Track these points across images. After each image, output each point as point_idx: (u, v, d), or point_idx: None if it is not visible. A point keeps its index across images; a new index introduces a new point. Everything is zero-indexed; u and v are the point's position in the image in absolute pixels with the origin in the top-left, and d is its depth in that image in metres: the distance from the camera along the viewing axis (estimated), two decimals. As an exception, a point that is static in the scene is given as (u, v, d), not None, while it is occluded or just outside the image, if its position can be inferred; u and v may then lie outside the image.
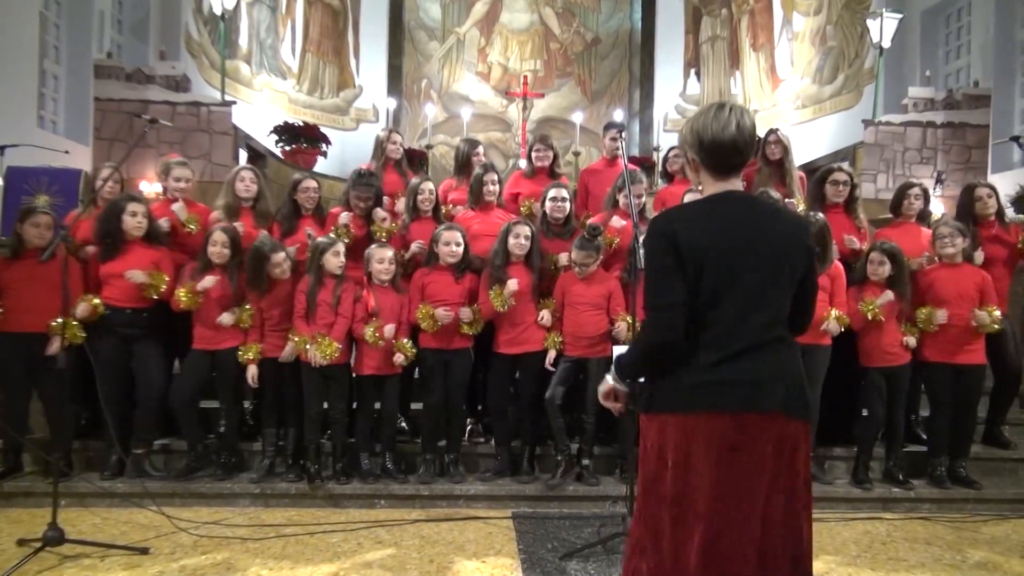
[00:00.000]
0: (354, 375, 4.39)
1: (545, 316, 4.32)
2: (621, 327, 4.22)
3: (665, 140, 11.69)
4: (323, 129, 10.67)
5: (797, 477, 1.90)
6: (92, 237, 4.33)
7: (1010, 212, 5.74)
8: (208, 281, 4.18)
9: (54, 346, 4.02)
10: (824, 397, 4.29)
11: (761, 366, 1.86)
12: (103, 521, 3.93)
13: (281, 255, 4.26)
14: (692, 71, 13.15)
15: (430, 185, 4.79)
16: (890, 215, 5.04)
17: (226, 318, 4.21)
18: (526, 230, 4.35)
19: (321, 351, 4.09)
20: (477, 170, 4.86)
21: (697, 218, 1.92)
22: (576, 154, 10.89)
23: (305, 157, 10.15)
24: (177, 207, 4.52)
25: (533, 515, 4.15)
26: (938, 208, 7.04)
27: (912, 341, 4.38)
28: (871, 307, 4.27)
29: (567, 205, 4.67)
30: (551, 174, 5.21)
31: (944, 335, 4.36)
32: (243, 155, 8.69)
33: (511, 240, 4.32)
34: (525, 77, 12.06)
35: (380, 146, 5.25)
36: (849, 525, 4.11)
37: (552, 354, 4.35)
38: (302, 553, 3.56)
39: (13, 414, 4.21)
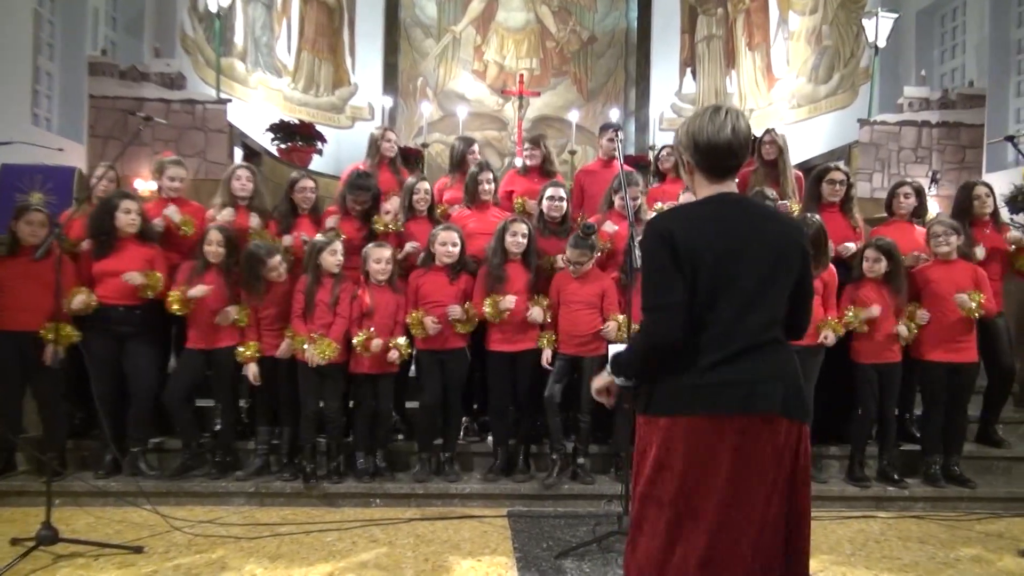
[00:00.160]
0: (351, 373, 4.37)
1: (535, 312, 4.31)
2: (611, 326, 4.23)
3: (661, 139, 11.67)
4: (319, 127, 10.63)
5: (796, 479, 1.90)
6: (85, 234, 4.31)
7: (1004, 212, 5.75)
8: (199, 290, 4.16)
9: (48, 354, 4.01)
10: (817, 396, 4.30)
11: (759, 367, 1.86)
12: (97, 520, 3.92)
13: (277, 258, 4.25)
14: (688, 70, 13.15)
15: (426, 184, 4.78)
16: (885, 214, 5.05)
17: (224, 316, 4.19)
18: (523, 228, 4.35)
19: (320, 351, 4.08)
20: (472, 169, 4.85)
21: (694, 219, 1.92)
22: (572, 153, 10.89)
23: (301, 155, 10.12)
24: (170, 211, 4.50)
25: (528, 514, 4.15)
26: (933, 207, 7.05)
27: (904, 330, 4.37)
28: (855, 319, 4.30)
29: (564, 204, 4.67)
30: (543, 172, 5.20)
31: (938, 332, 4.38)
32: (238, 153, 8.66)
33: (508, 238, 4.32)
34: (521, 76, 12.05)
35: (374, 144, 5.24)
36: (843, 523, 4.12)
37: (548, 353, 4.34)
38: (297, 552, 3.56)
39: (6, 413, 4.19)
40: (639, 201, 4.56)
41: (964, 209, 4.74)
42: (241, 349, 4.24)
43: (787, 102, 11.65)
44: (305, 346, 4.12)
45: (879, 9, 9.03)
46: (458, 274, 4.38)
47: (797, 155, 5.58)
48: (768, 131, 5.15)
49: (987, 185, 4.80)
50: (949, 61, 9.74)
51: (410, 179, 4.85)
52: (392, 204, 4.82)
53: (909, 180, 5.02)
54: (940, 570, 3.50)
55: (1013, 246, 4.67)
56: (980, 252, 4.59)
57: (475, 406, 4.88)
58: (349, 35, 12.68)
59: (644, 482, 1.92)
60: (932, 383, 4.47)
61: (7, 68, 6.83)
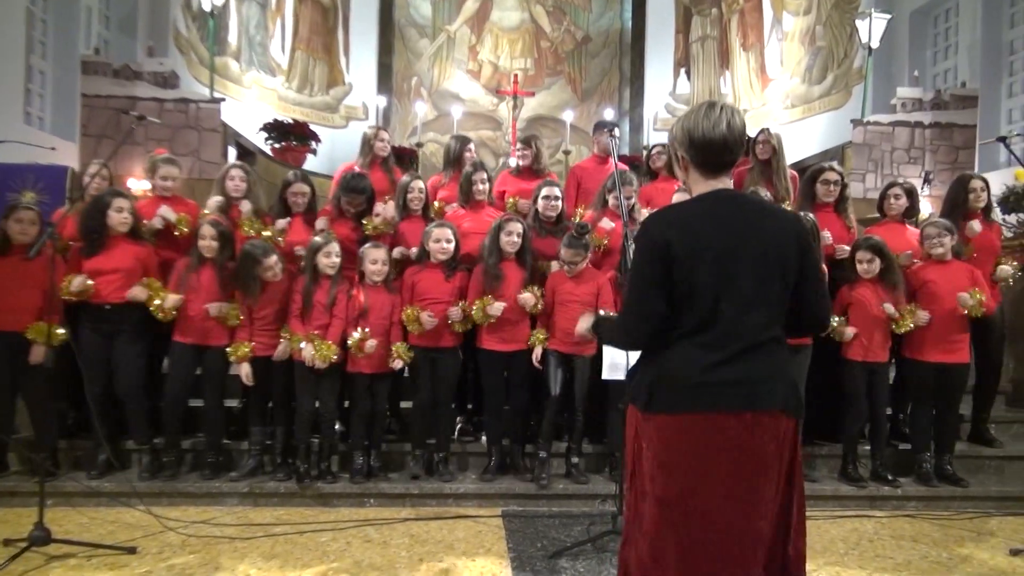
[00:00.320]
0: (347, 373, 4.36)
1: (526, 296, 4.28)
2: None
3: (655, 139, 11.70)
4: (313, 127, 10.64)
5: (795, 474, 1.94)
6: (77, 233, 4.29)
7: (996, 212, 5.78)
8: (171, 301, 4.14)
9: (37, 354, 3.99)
10: (809, 395, 4.31)
11: (762, 366, 1.87)
12: (90, 521, 3.90)
13: (273, 258, 4.23)
14: (682, 70, 13.18)
15: (420, 184, 4.77)
16: (877, 215, 5.07)
17: (216, 309, 4.18)
18: (518, 227, 4.34)
19: (320, 354, 4.07)
20: (467, 168, 4.85)
21: (691, 220, 1.92)
22: (567, 153, 10.91)
23: (295, 155, 10.12)
24: (164, 210, 4.48)
25: (523, 513, 4.15)
26: (926, 208, 7.08)
27: (890, 308, 4.35)
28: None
29: (559, 203, 4.67)
30: (534, 172, 5.21)
31: (933, 333, 4.39)
32: (232, 152, 8.65)
33: (503, 238, 4.32)
34: (515, 75, 12.06)
35: (367, 144, 5.22)
36: (837, 523, 4.13)
37: (539, 351, 4.34)
38: (291, 552, 3.55)
39: (-2, 413, 4.17)
40: (633, 200, 4.57)
41: (958, 202, 4.75)
42: (232, 348, 4.22)
43: (781, 102, 11.69)
44: (302, 345, 4.12)
45: (872, 10, 9.07)
46: (454, 271, 4.37)
47: (790, 156, 5.59)
48: (763, 130, 5.17)
49: (982, 179, 4.80)
50: (942, 62, 9.79)
51: (404, 178, 4.84)
52: (381, 208, 4.81)
53: (900, 181, 5.03)
54: (933, 569, 3.51)
55: (1001, 280, 4.71)
56: (977, 226, 4.62)
57: (469, 406, 4.88)
58: (344, 34, 12.67)
59: (644, 480, 1.91)
60: (922, 382, 4.48)
61: (-1, 67, 6.81)
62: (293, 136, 10.11)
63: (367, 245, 4.36)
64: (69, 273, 4.15)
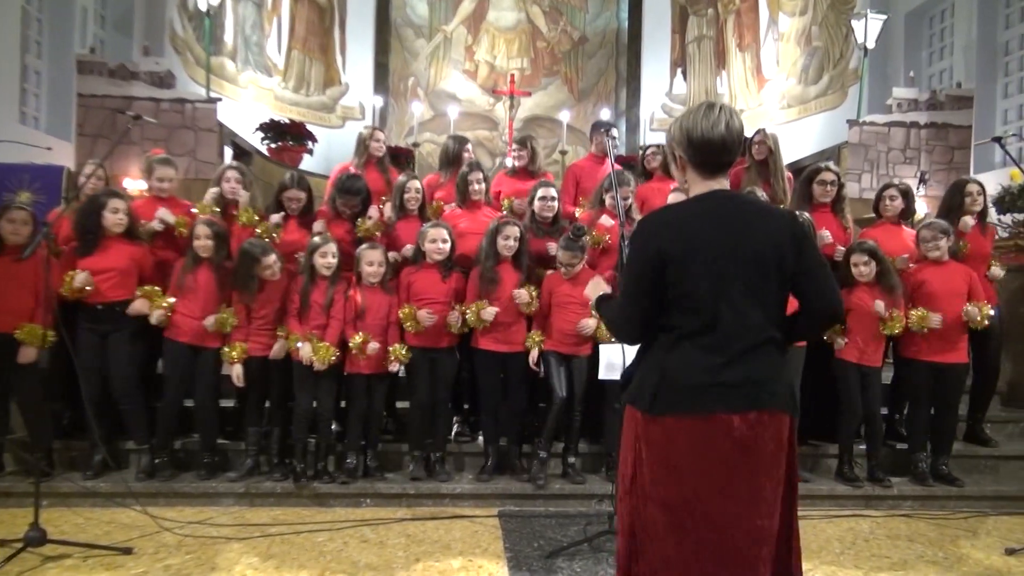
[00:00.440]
0: (345, 373, 4.36)
1: (521, 294, 4.28)
2: (590, 323, 4.24)
3: (651, 139, 11.71)
4: (309, 127, 10.62)
5: (793, 474, 1.96)
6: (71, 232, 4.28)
7: (992, 212, 5.80)
8: (156, 318, 4.14)
9: (26, 355, 3.97)
10: (805, 396, 4.32)
11: (762, 366, 1.88)
12: (86, 521, 3.90)
13: (271, 257, 4.22)
14: (678, 70, 13.19)
15: (417, 184, 4.77)
16: (873, 215, 5.08)
17: (211, 323, 4.17)
18: (515, 231, 4.34)
19: (319, 356, 4.07)
20: (463, 168, 4.85)
21: (687, 220, 1.92)
22: (563, 153, 10.91)
23: (291, 155, 10.10)
24: (163, 213, 4.47)
25: (519, 513, 4.15)
26: (922, 208, 7.10)
27: (880, 305, 4.31)
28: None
29: (555, 204, 4.68)
30: (529, 173, 5.21)
31: (931, 333, 4.38)
32: (228, 152, 8.63)
33: (500, 241, 4.31)
34: (512, 75, 12.05)
35: (362, 144, 5.22)
36: (833, 522, 4.14)
37: (535, 354, 4.35)
38: (287, 552, 3.55)
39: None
40: (630, 201, 4.58)
41: (954, 206, 4.77)
42: (227, 350, 4.21)
43: (777, 103, 11.71)
44: (299, 344, 4.11)
45: (868, 10, 9.08)
46: (450, 272, 4.37)
47: (787, 156, 5.61)
48: (759, 131, 5.18)
49: (979, 183, 4.81)
50: (937, 63, 9.82)
51: (401, 178, 4.84)
52: (375, 211, 4.81)
53: (896, 182, 5.04)
54: (928, 568, 3.52)
55: (993, 280, 4.74)
56: (970, 221, 4.64)
57: (465, 406, 4.88)
58: (340, 34, 12.66)
59: (643, 481, 1.90)
60: (919, 383, 4.49)
61: (-6, 66, 6.79)
62: (289, 136, 10.10)
63: (364, 246, 4.35)
64: (62, 272, 4.12)
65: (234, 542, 3.65)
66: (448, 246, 4.32)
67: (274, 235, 4.48)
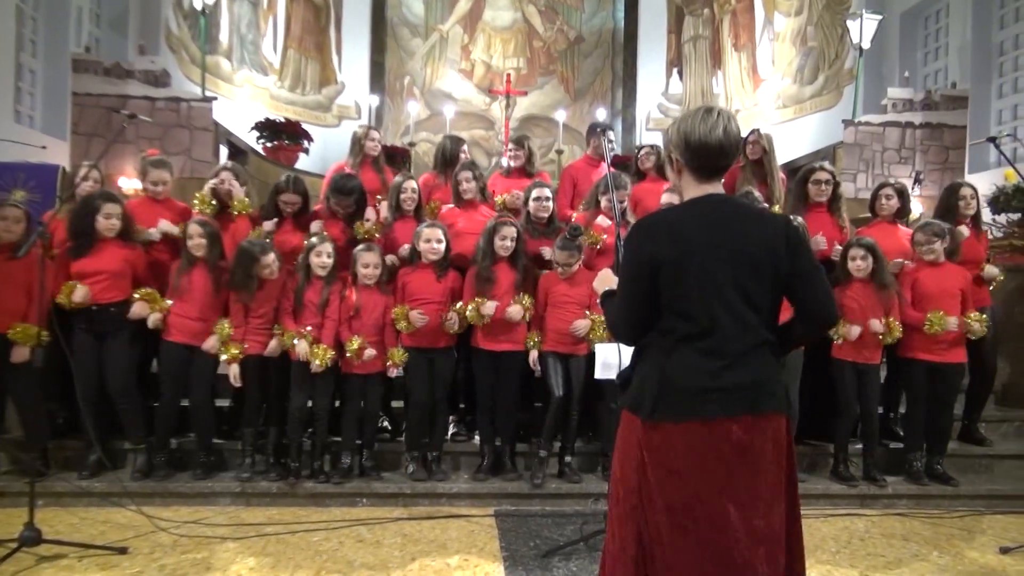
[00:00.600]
0: (342, 372, 4.35)
1: (513, 310, 4.27)
2: (583, 324, 4.25)
3: (647, 139, 11.73)
4: (305, 126, 10.61)
5: (793, 473, 1.97)
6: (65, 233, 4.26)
7: (986, 212, 5.82)
8: (153, 321, 4.14)
9: (19, 354, 3.95)
10: (800, 395, 4.34)
11: (759, 369, 1.89)
12: (81, 521, 3.89)
13: (270, 256, 4.22)
14: (674, 70, 13.22)
15: (413, 184, 4.76)
16: (869, 215, 5.09)
17: (210, 345, 4.16)
18: (512, 231, 4.34)
19: (318, 358, 4.07)
20: (456, 168, 4.85)
21: (682, 223, 1.93)
22: (559, 152, 10.91)
23: (287, 154, 10.10)
24: (165, 225, 4.44)
25: (515, 513, 4.15)
26: (917, 207, 7.13)
27: (877, 324, 4.31)
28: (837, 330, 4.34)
29: (551, 204, 4.67)
30: (525, 173, 5.22)
31: (928, 334, 4.39)
32: (224, 151, 8.63)
33: (497, 241, 4.31)
34: (508, 75, 12.08)
35: (357, 143, 5.21)
36: (828, 521, 4.15)
37: (535, 354, 4.35)
38: (283, 552, 3.54)
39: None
40: (625, 204, 4.58)
41: (948, 209, 4.79)
42: (223, 349, 4.18)
43: (772, 103, 11.74)
44: (295, 341, 4.11)
45: (863, 11, 9.12)
46: (445, 272, 4.37)
47: (782, 156, 5.62)
48: (753, 131, 5.18)
49: (972, 187, 4.85)
50: (932, 63, 9.85)
51: (397, 178, 4.83)
52: (373, 213, 4.80)
53: (892, 182, 5.05)
54: (923, 567, 3.53)
55: (990, 282, 4.75)
56: (964, 231, 4.65)
57: (461, 405, 4.88)
58: (336, 33, 12.65)
59: (643, 486, 1.89)
60: (915, 382, 4.50)
61: (-11, 65, 6.77)
62: (285, 135, 10.09)
63: (360, 247, 4.34)
64: (56, 273, 4.11)
65: (230, 542, 3.65)
66: (443, 246, 4.32)
67: (266, 240, 4.48)
